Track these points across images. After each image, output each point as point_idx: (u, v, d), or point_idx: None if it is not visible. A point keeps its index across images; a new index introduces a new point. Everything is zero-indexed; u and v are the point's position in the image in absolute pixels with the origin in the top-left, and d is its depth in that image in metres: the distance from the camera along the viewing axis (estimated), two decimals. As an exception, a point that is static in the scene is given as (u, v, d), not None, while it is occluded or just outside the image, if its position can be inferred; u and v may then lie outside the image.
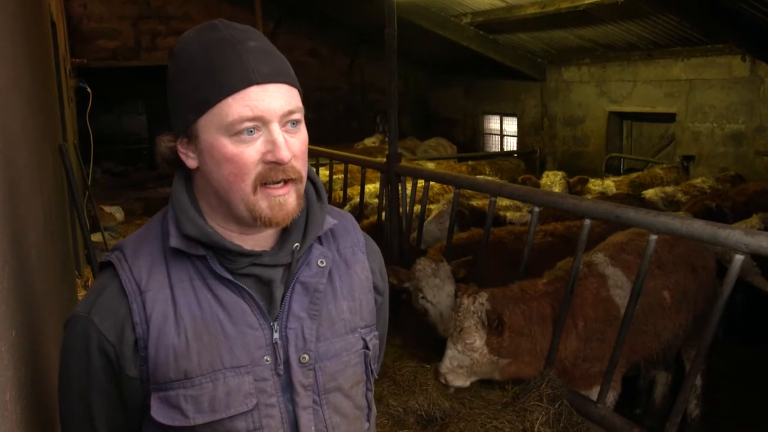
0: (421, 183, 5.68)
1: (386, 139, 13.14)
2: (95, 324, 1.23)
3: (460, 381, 3.52)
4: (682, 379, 3.89)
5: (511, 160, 11.15)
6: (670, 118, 9.50)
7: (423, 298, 4.30)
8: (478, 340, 3.42)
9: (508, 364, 3.53)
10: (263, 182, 1.21)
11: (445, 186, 7.24)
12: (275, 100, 1.20)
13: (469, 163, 10.45)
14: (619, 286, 3.61)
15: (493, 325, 3.38)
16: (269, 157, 1.20)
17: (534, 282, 3.72)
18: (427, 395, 3.82)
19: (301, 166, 1.25)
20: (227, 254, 1.26)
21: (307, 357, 1.30)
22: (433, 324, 4.34)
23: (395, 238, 5.60)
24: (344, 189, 7.50)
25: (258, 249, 1.29)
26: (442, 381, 3.54)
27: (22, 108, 2.18)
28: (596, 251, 3.84)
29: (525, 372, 3.60)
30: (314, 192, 1.37)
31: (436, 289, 4.28)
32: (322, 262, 1.34)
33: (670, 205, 6.43)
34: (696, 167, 8.90)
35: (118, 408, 1.28)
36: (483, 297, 3.48)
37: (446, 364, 3.49)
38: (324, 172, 8.29)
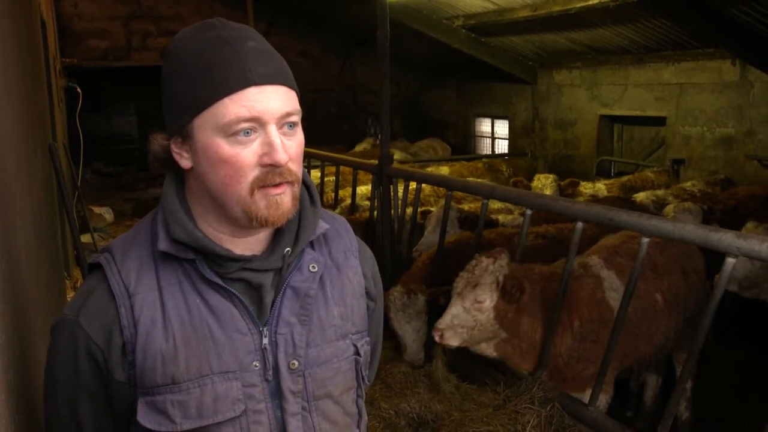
0: (413, 185, 5.68)
1: (377, 142, 13.14)
2: (83, 327, 1.21)
3: (456, 341, 3.43)
4: (673, 381, 3.91)
5: (526, 160, 11.13)
6: (660, 121, 9.55)
7: (391, 324, 4.37)
8: (488, 300, 3.38)
9: (505, 342, 3.50)
10: (260, 185, 1.19)
11: (436, 189, 7.23)
12: (273, 102, 1.18)
13: (484, 160, 10.43)
14: (614, 289, 3.61)
15: (512, 290, 3.33)
16: (266, 160, 1.18)
17: (539, 267, 3.72)
18: (419, 398, 3.81)
19: (297, 168, 1.24)
20: (217, 258, 1.24)
21: (296, 363, 1.28)
22: (401, 345, 4.43)
23: (387, 240, 5.59)
24: (336, 191, 7.49)
25: (249, 253, 1.27)
26: (437, 337, 3.44)
27: (11, 107, 2.16)
28: (590, 254, 3.84)
29: (517, 359, 3.57)
30: (308, 196, 1.35)
31: (404, 322, 4.36)
32: (313, 267, 1.32)
33: (661, 208, 6.45)
34: (686, 171, 8.95)
35: (106, 413, 1.26)
36: (504, 260, 3.44)
37: (446, 320, 3.41)
38: (315, 174, 8.27)
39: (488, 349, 3.55)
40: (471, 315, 3.40)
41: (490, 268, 3.42)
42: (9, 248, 1.63)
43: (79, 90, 7.52)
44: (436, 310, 4.12)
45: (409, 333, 4.36)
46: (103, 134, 16.40)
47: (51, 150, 4.19)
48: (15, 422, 1.36)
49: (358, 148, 12.91)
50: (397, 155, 11.40)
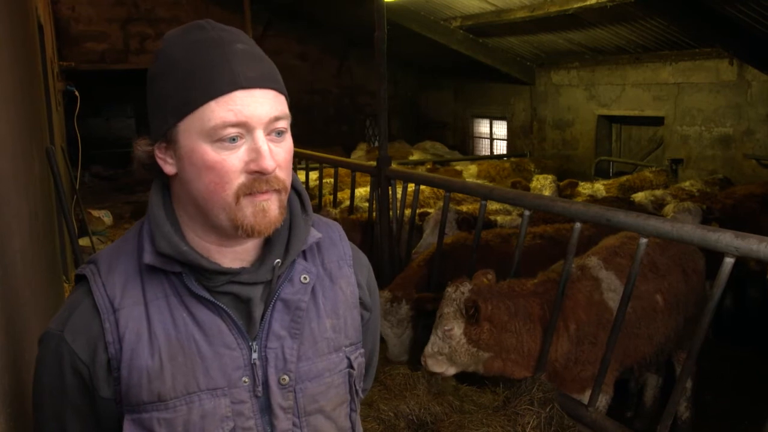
0: (411, 187, 5.67)
1: (372, 146, 13.13)
2: (68, 342, 1.18)
3: (439, 368, 3.59)
4: (672, 381, 3.90)
5: (554, 159, 11.06)
6: (658, 121, 9.56)
7: None
8: (456, 327, 3.47)
9: (491, 359, 3.53)
10: (246, 193, 1.15)
11: (436, 190, 7.23)
12: (261, 106, 1.14)
13: (512, 159, 10.40)
14: (613, 290, 3.61)
15: (469, 313, 3.40)
16: (252, 167, 1.14)
17: (524, 281, 3.73)
18: (418, 399, 3.80)
19: (285, 176, 1.20)
20: (204, 272, 1.20)
21: (287, 378, 1.25)
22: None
23: (385, 242, 5.58)
24: (334, 193, 7.48)
25: (237, 265, 1.23)
26: (423, 364, 3.62)
27: (8, 111, 2.15)
28: (589, 255, 3.84)
29: (513, 371, 3.60)
30: (299, 203, 1.30)
31: (386, 327, 4.41)
32: (305, 278, 1.28)
33: (660, 208, 6.46)
34: (684, 170, 8.96)
35: (94, 428, 1.24)
36: (465, 286, 3.52)
37: (428, 349, 3.57)
38: (314, 176, 8.27)
39: (478, 369, 3.62)
40: (446, 343, 3.51)
41: (452, 296, 3.52)
42: (4, 252, 1.62)
43: (76, 93, 7.50)
44: (428, 314, 4.15)
45: (392, 338, 4.44)
46: (101, 137, 16.40)
47: (48, 153, 4.18)
48: (9, 428, 1.35)
49: (354, 155, 12.74)
50: (416, 155, 11.41)
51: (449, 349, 3.50)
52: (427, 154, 11.84)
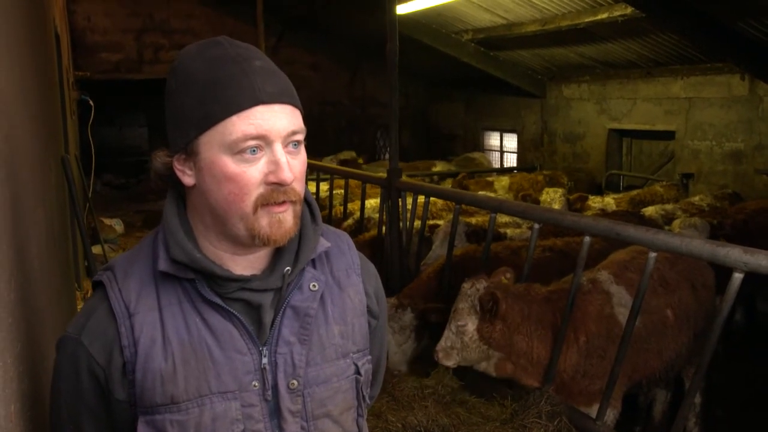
0: (421, 199, 5.69)
1: (384, 157, 13.14)
2: (85, 346, 1.22)
3: (450, 361, 3.61)
4: (681, 396, 3.89)
5: (585, 172, 11.02)
6: (669, 135, 9.54)
7: None
8: (469, 324, 3.49)
9: (502, 360, 3.54)
10: (264, 203, 1.20)
11: (446, 202, 7.23)
12: (280, 120, 1.19)
13: (545, 172, 10.41)
14: (623, 305, 3.60)
15: (487, 307, 3.42)
16: (271, 178, 1.19)
17: (539, 286, 3.74)
18: (426, 411, 3.80)
19: (301, 188, 1.25)
20: (216, 278, 1.24)
21: (295, 383, 1.28)
22: None
23: (395, 254, 5.60)
24: (344, 204, 7.51)
25: (249, 272, 1.28)
26: (435, 357, 3.64)
27: (27, 119, 2.19)
28: (599, 269, 3.84)
29: (521, 377, 3.60)
30: (309, 213, 1.35)
31: (389, 333, 4.42)
32: (314, 285, 1.32)
33: (670, 222, 6.44)
34: (695, 185, 8.93)
35: (109, 430, 1.27)
36: (482, 283, 3.53)
37: (442, 343, 3.60)
38: (324, 187, 8.30)
39: (489, 369, 3.63)
40: (458, 337, 3.53)
41: (468, 292, 3.53)
42: (23, 259, 1.66)
43: (91, 102, 7.58)
44: (432, 326, 4.16)
45: (392, 345, 4.44)
46: (114, 146, 16.52)
47: (64, 162, 4.24)
48: (29, 431, 1.38)
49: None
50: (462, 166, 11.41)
51: (461, 343, 3.52)
52: (473, 165, 11.81)
